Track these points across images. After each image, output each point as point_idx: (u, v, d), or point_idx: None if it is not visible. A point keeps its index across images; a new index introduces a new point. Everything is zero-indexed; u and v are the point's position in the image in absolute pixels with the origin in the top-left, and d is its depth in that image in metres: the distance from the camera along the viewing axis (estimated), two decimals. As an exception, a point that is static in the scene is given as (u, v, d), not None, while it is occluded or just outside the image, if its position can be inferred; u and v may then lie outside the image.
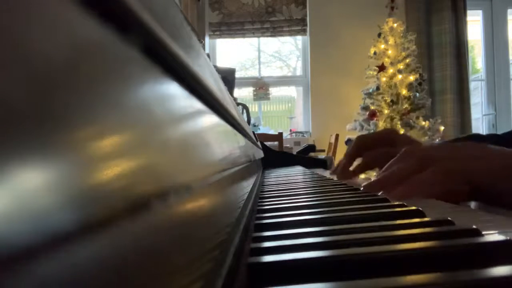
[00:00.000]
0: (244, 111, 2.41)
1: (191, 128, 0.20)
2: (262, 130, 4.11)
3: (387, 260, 0.21)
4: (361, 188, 0.55)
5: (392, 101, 3.71)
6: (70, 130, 0.08)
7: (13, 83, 0.06)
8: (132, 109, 0.12)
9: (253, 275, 0.21)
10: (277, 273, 0.21)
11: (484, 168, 0.48)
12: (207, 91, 0.26)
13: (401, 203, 0.39)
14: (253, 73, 4.90)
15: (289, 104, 5.15)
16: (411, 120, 3.69)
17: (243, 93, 4.61)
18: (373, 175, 1.09)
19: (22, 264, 0.06)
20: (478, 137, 0.73)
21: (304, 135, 4.34)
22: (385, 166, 0.57)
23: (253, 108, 4.64)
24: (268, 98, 4.66)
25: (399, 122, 3.70)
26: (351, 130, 3.86)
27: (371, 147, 0.73)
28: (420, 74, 3.76)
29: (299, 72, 4.86)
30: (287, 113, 4.94)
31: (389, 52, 3.78)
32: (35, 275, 0.06)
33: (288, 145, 3.63)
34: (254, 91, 4.59)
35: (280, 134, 3.23)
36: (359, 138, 0.79)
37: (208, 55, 1.98)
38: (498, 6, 4.59)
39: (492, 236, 0.23)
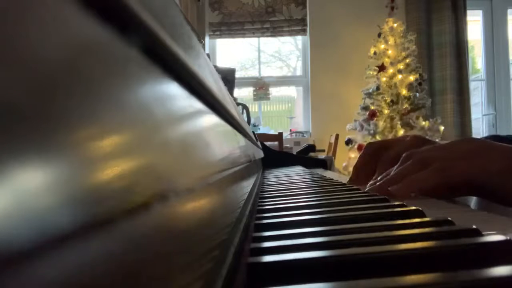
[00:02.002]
0: (244, 111, 2.41)
1: (191, 128, 0.20)
2: (262, 130, 4.11)
3: (387, 260, 0.21)
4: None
5: (392, 101, 3.71)
6: (70, 130, 0.08)
7: (12, 83, 0.06)
8: (132, 109, 0.12)
9: (253, 275, 0.21)
10: (277, 273, 0.21)
11: (481, 165, 0.48)
12: (207, 91, 0.26)
13: (401, 203, 0.39)
14: (253, 73, 4.90)
15: (289, 104, 5.15)
16: (411, 120, 3.69)
17: (243, 93, 4.61)
18: None
19: (22, 264, 0.06)
20: (498, 138, 0.70)
21: (304, 135, 4.34)
22: (387, 172, 0.57)
23: (253, 108, 4.64)
24: (268, 98, 4.66)
25: (399, 122, 3.70)
26: (351, 130, 3.86)
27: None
28: (420, 74, 3.76)
29: (299, 72, 4.86)
30: (287, 113, 4.94)
31: (389, 52, 3.78)
32: (35, 275, 0.06)
33: (288, 145, 3.62)
34: (254, 91, 4.59)
35: (280, 134, 3.23)
36: (385, 159, 0.65)
37: (208, 55, 1.98)
38: (498, 6, 4.59)
39: (492, 236, 0.23)
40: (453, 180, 0.48)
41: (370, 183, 0.57)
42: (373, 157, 0.68)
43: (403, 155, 0.55)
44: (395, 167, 0.55)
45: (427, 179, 0.49)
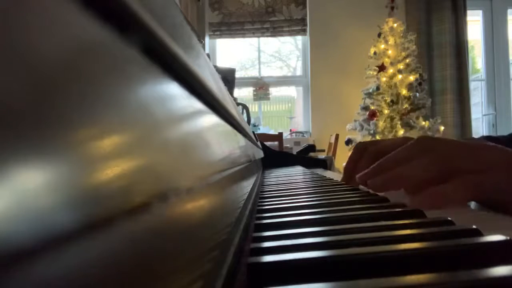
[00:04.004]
0: (244, 111, 2.41)
1: (191, 128, 0.20)
2: (262, 130, 4.11)
3: (387, 260, 0.21)
4: (368, 183, 0.49)
5: (392, 101, 3.71)
6: (70, 130, 0.08)
7: (12, 83, 0.06)
8: (132, 109, 0.12)
9: (253, 275, 0.21)
10: (277, 273, 0.21)
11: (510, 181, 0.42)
12: (207, 91, 0.26)
13: (401, 203, 0.39)
14: (253, 73, 4.90)
15: (289, 104, 5.15)
16: (411, 120, 3.69)
17: (243, 93, 4.61)
18: None
19: (22, 264, 0.06)
20: (490, 139, 0.65)
21: (304, 135, 4.34)
22: (392, 156, 0.49)
23: (253, 108, 4.64)
24: (268, 98, 4.66)
25: (399, 122, 3.70)
26: (351, 130, 3.86)
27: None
28: (420, 74, 3.76)
29: (299, 72, 4.86)
30: (287, 113, 4.94)
31: (389, 52, 3.78)
32: (35, 275, 0.06)
33: (288, 145, 3.62)
34: (254, 91, 4.59)
35: (280, 134, 3.23)
36: (369, 152, 0.62)
37: (208, 55, 1.98)
38: (498, 6, 4.59)
39: (492, 236, 0.23)
40: (484, 196, 0.43)
41: (370, 179, 0.49)
42: (362, 156, 0.64)
43: (413, 142, 0.48)
44: (399, 151, 0.49)
45: (456, 196, 0.42)
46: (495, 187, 0.42)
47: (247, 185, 0.48)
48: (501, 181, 0.43)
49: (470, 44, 4.46)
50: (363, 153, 0.64)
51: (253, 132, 1.24)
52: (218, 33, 4.51)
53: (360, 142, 0.69)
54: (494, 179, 0.43)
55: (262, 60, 4.97)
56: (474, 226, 0.25)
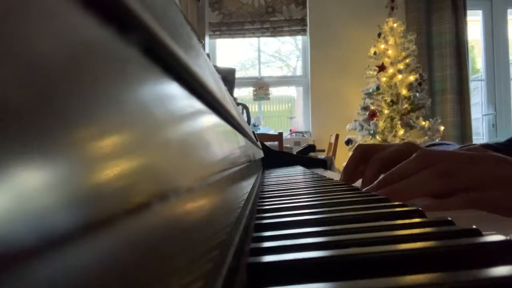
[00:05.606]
0: (244, 111, 2.41)
1: (191, 128, 0.20)
2: (262, 130, 4.11)
3: (387, 260, 0.21)
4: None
5: (392, 101, 3.71)
6: (70, 130, 0.08)
7: (13, 83, 0.06)
8: (132, 109, 0.12)
9: (253, 275, 0.21)
10: (277, 273, 0.21)
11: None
12: (207, 91, 0.26)
13: (401, 203, 0.39)
14: (253, 73, 4.90)
15: (289, 104, 5.15)
16: (411, 120, 3.69)
17: (243, 93, 4.62)
18: None
19: (22, 264, 0.06)
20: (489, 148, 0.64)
21: (304, 135, 4.34)
22: (396, 171, 0.50)
23: (253, 108, 4.64)
24: (268, 98, 4.66)
25: (399, 122, 3.70)
26: (351, 130, 3.86)
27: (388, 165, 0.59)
28: (420, 74, 3.76)
29: (299, 72, 4.86)
30: (287, 113, 4.94)
31: (389, 52, 3.78)
32: (35, 275, 0.06)
33: (288, 145, 3.63)
34: (254, 91, 4.60)
35: (280, 134, 3.23)
36: (375, 160, 0.62)
37: (208, 55, 1.98)
38: (498, 6, 4.59)
39: (492, 236, 0.23)
40: (483, 209, 0.43)
41: (381, 189, 0.51)
42: (363, 159, 0.65)
43: (416, 155, 0.50)
44: (405, 164, 0.50)
45: (456, 207, 0.43)
46: (495, 205, 0.42)
47: (247, 185, 0.48)
48: (502, 198, 0.43)
49: (470, 44, 4.46)
50: (367, 156, 0.64)
51: (253, 132, 1.24)
52: (218, 33, 4.51)
53: (362, 144, 0.69)
54: (495, 196, 0.43)
55: (262, 60, 4.97)
56: (474, 226, 0.25)
